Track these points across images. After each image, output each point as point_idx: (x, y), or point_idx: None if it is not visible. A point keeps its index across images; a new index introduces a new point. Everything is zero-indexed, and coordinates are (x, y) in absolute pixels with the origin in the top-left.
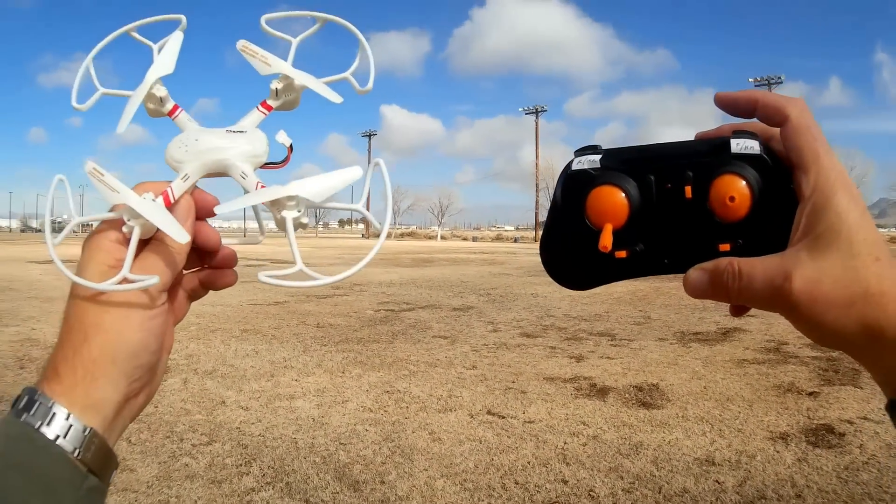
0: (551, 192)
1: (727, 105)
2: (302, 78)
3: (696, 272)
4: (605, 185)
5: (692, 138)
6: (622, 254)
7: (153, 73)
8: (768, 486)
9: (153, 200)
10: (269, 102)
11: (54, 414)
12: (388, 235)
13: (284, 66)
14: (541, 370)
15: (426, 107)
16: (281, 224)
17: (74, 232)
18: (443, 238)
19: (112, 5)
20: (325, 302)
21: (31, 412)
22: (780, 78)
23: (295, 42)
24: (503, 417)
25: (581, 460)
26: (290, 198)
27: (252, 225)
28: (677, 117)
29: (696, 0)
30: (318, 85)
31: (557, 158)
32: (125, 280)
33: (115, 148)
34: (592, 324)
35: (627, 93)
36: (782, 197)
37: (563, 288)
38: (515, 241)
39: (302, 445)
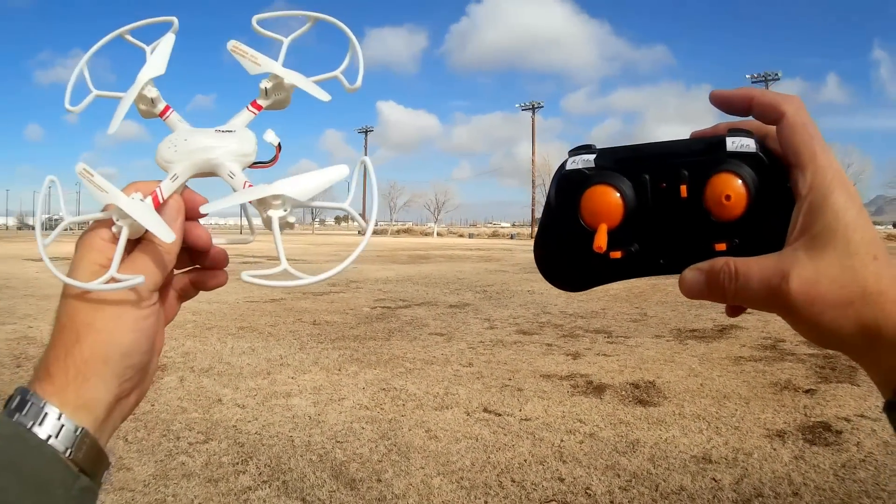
0: (548, 188)
1: (722, 103)
2: (291, 77)
3: (692, 273)
4: (600, 185)
5: (688, 137)
6: (617, 254)
7: (144, 75)
8: (765, 483)
9: (142, 200)
10: (259, 102)
11: (46, 414)
12: (384, 232)
13: (274, 66)
14: (537, 367)
15: (423, 103)
16: (267, 223)
17: (71, 229)
18: (439, 235)
19: (109, 3)
20: (321, 299)
21: (24, 412)
22: (777, 74)
23: (286, 41)
24: (500, 415)
25: (578, 458)
26: (275, 197)
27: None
28: (674, 114)
29: None
30: (306, 84)
31: (554, 155)
32: (113, 279)
33: (112, 145)
34: (589, 321)
35: (624, 89)
36: (779, 195)
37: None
38: (512, 237)
39: (298, 443)
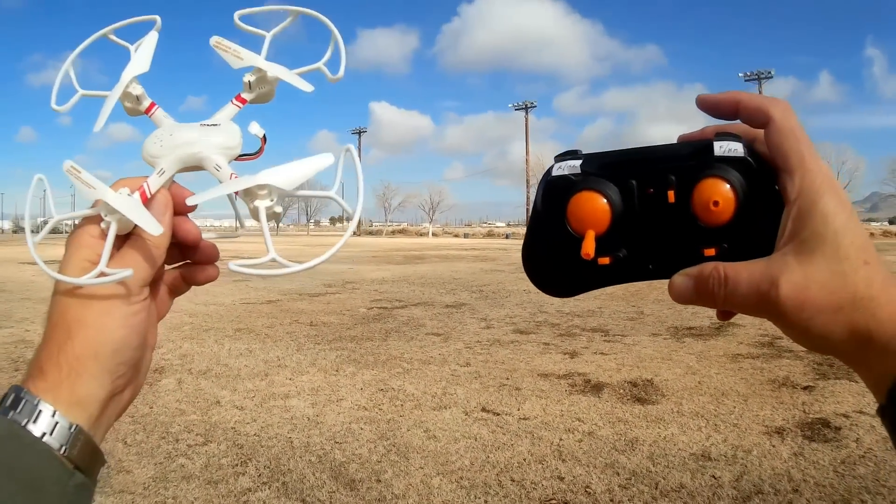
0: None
1: (709, 107)
2: (274, 70)
3: (681, 278)
4: (586, 191)
5: (675, 140)
6: (605, 260)
7: (128, 73)
8: (765, 480)
9: (129, 196)
10: (244, 96)
11: (40, 411)
12: (379, 233)
13: (256, 59)
14: (535, 366)
15: (415, 103)
16: (254, 213)
17: (65, 231)
18: (434, 235)
19: (101, 5)
20: (317, 300)
21: (18, 410)
22: (770, 73)
23: (268, 36)
24: (498, 414)
25: (577, 456)
26: (260, 187)
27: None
28: (666, 114)
29: None
30: (289, 75)
31: (547, 155)
32: (102, 274)
33: (105, 146)
34: (585, 320)
35: (616, 89)
36: (767, 200)
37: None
38: (507, 237)
39: (297, 445)
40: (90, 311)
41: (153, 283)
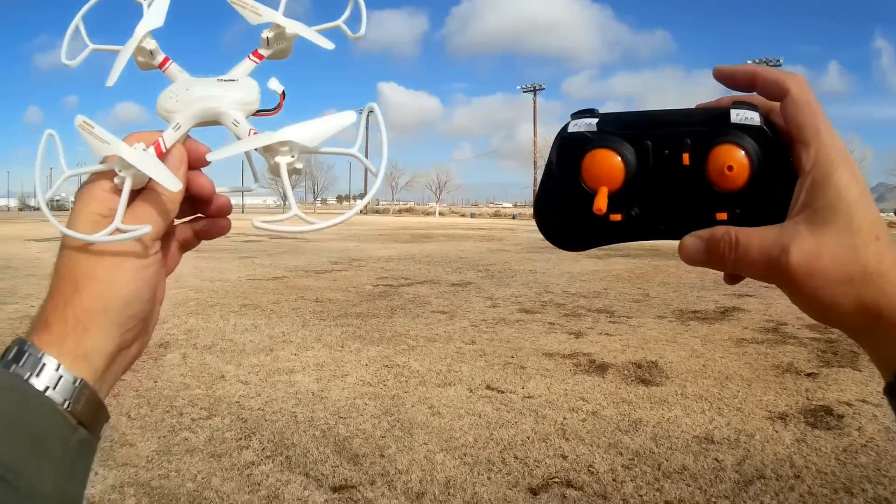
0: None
1: (725, 78)
2: (293, 26)
3: (693, 239)
4: (601, 149)
5: (692, 108)
6: (617, 217)
7: (142, 27)
8: (767, 465)
9: (144, 150)
10: (261, 51)
11: (44, 364)
12: (387, 212)
13: (275, 15)
14: (540, 346)
15: (424, 84)
16: (275, 170)
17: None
18: (441, 214)
19: None
20: (323, 277)
21: (21, 363)
22: (779, 60)
23: None
24: (502, 392)
25: (580, 436)
26: (282, 143)
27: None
28: (674, 99)
29: None
30: (308, 32)
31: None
32: (117, 230)
33: (112, 126)
34: (591, 300)
35: (625, 73)
36: (781, 169)
37: (559, 249)
38: (514, 217)
39: (301, 419)
40: (101, 265)
41: (164, 237)
